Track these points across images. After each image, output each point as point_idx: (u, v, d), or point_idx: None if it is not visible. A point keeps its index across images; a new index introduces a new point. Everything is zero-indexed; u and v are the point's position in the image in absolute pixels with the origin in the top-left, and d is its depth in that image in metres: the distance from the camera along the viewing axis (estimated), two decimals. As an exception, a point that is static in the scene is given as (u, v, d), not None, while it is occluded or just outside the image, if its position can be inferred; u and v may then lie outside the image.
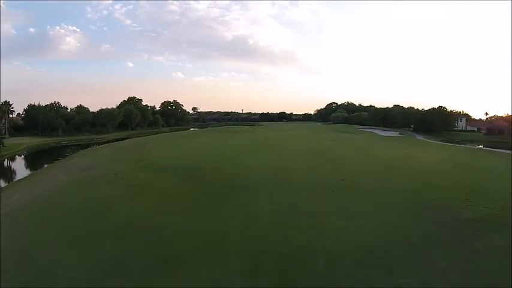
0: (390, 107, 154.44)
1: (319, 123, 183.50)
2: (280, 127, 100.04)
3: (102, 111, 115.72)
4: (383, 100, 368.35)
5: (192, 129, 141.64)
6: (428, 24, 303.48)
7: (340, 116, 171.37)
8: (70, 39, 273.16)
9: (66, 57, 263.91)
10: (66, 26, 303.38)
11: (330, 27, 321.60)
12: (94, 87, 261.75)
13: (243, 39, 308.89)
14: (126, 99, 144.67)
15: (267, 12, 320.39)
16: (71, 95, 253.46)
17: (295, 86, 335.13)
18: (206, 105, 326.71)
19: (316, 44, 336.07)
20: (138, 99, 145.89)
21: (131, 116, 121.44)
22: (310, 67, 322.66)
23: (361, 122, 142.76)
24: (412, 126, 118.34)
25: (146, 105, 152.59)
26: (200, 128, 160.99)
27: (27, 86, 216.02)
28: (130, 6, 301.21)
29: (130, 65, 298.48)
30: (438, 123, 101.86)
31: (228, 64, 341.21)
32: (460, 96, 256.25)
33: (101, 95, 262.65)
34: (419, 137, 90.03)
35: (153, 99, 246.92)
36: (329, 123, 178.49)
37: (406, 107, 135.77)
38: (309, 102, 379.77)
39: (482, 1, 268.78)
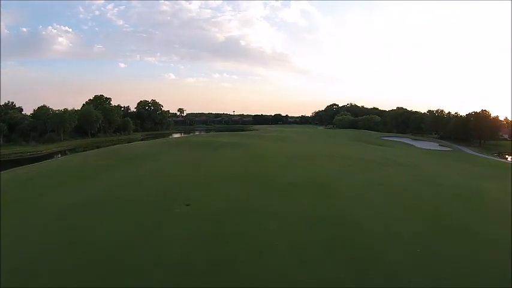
0: (394, 109, 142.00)
1: (321, 127, 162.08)
2: (281, 133, 74.59)
3: (53, 115, 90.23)
4: (382, 101, 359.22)
5: (174, 135, 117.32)
6: (424, 24, 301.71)
7: (346, 119, 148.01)
8: (62, 39, 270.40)
9: (59, 57, 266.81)
10: (58, 26, 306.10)
11: (322, 28, 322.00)
12: (87, 87, 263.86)
13: (235, 41, 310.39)
14: (91, 98, 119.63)
15: (259, 14, 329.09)
16: (63, 95, 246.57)
17: (289, 88, 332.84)
18: (197, 107, 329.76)
19: (309, 45, 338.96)
20: (105, 98, 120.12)
21: (90, 120, 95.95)
22: (303, 68, 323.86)
23: (372, 127, 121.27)
24: (441, 133, 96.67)
25: (118, 105, 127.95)
26: (186, 132, 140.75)
27: (20, 87, 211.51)
28: (123, 7, 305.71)
29: (123, 65, 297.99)
30: (485, 131, 79.45)
31: (219, 65, 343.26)
32: (459, 97, 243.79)
33: (92, 96, 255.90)
34: (466, 150, 68.95)
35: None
36: (330, 127, 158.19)
37: (411, 109, 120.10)
38: (304, 103, 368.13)
39: (482, 1, 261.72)
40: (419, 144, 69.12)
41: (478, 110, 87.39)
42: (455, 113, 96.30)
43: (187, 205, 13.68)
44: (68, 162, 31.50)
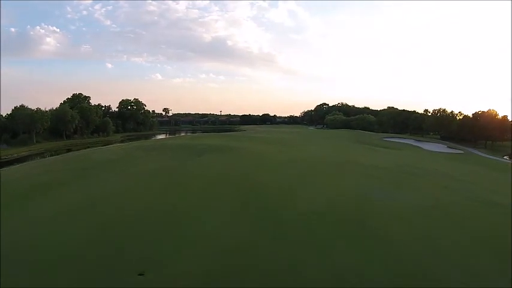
0: (385, 108, 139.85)
1: (311, 128, 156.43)
2: (272, 134, 67.36)
3: (23, 115, 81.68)
4: (371, 101, 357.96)
5: (157, 136, 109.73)
6: (413, 24, 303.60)
7: (338, 119, 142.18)
8: (50, 40, 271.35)
9: (47, 57, 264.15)
10: (46, 26, 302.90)
11: (310, 28, 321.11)
12: (74, 87, 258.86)
13: (221, 41, 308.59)
14: (69, 97, 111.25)
15: (246, 14, 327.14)
16: (50, 96, 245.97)
17: (277, 88, 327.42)
18: (184, 107, 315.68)
19: (297, 45, 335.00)
20: (84, 96, 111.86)
21: (65, 120, 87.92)
22: (290, 68, 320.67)
23: (367, 127, 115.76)
24: (442, 133, 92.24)
25: (98, 104, 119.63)
26: (171, 133, 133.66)
27: (9, 87, 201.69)
28: (110, 7, 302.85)
29: (110, 65, 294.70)
30: (494, 131, 74.79)
31: (206, 65, 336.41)
32: (452, 96, 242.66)
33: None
34: (476, 152, 64.46)
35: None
36: (320, 127, 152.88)
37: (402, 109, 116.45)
38: (292, 103, 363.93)
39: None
40: (425, 146, 63.85)
41: (484, 110, 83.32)
42: (459, 112, 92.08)
43: (140, 275, 7.48)
44: (10, 176, 24.78)
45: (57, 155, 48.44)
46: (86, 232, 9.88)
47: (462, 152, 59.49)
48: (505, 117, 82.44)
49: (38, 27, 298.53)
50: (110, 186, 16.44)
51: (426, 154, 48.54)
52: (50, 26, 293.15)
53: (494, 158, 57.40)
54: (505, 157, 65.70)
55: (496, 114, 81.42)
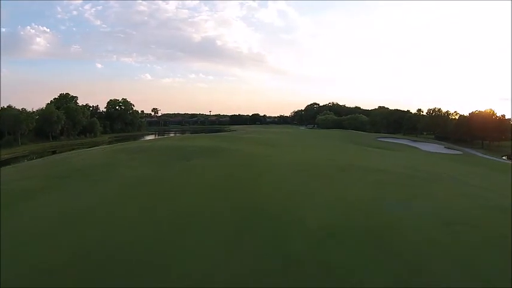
0: (376, 108, 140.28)
1: (302, 127, 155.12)
2: (263, 134, 64.72)
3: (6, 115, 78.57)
4: (361, 101, 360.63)
5: (146, 137, 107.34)
6: (402, 25, 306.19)
7: (330, 118, 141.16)
8: (40, 40, 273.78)
9: (37, 57, 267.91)
10: (36, 26, 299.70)
11: (300, 28, 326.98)
12: (63, 88, 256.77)
13: (211, 41, 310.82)
14: (56, 97, 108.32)
15: (235, 14, 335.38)
16: (43, 96, 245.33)
17: (266, 88, 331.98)
18: (174, 107, 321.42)
19: (287, 45, 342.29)
20: (71, 96, 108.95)
21: (50, 121, 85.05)
22: (280, 68, 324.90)
23: (359, 127, 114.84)
24: (436, 133, 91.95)
25: (86, 104, 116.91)
26: (160, 134, 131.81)
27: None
28: (100, 7, 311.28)
29: (99, 66, 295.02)
30: (493, 132, 74.33)
31: (196, 65, 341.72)
32: (445, 96, 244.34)
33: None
34: (474, 152, 63.79)
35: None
36: (311, 127, 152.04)
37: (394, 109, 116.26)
38: (282, 103, 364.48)
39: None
40: (423, 146, 62.70)
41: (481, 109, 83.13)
42: (454, 112, 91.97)
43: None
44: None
45: (40, 157, 46.04)
46: (50, 259, 7.96)
47: (461, 152, 58.66)
48: (502, 116, 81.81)
49: (28, 27, 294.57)
50: (84, 199, 14.32)
51: (426, 155, 47.43)
52: (40, 26, 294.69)
53: (495, 159, 56.73)
54: (504, 157, 65.30)
55: (494, 114, 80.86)
